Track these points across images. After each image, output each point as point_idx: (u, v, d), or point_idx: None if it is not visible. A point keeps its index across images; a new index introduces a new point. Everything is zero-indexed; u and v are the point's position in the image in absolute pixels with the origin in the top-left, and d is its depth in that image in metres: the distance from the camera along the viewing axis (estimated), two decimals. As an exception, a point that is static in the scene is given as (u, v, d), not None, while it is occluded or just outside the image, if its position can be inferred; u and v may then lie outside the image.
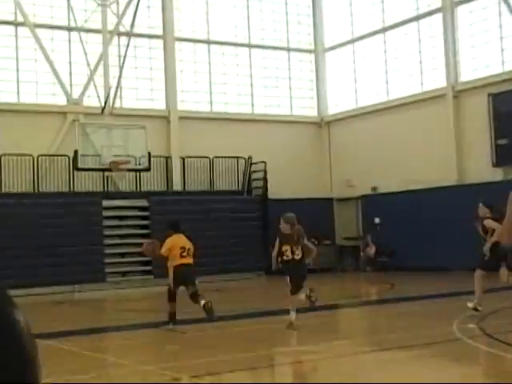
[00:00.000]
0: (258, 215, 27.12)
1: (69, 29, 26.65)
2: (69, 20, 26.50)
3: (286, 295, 12.52)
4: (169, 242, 13.53)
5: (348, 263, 28.91)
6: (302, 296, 12.70)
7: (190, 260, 13.47)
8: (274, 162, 28.47)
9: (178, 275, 13.22)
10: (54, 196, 24.57)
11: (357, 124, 29.88)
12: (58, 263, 22.50)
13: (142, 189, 26.71)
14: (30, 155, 24.99)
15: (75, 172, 24.36)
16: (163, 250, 13.45)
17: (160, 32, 28.53)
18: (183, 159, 27.93)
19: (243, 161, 28.65)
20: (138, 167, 23.28)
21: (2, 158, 24.64)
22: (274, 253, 12.77)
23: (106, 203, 24.70)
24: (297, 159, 30.03)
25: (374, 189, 28.76)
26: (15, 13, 25.94)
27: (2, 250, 21.81)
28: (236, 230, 25.93)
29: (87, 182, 25.86)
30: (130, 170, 23.94)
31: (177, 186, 27.80)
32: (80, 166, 21.93)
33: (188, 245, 13.57)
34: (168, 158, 27.74)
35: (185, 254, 13.37)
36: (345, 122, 30.66)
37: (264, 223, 26.69)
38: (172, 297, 13.24)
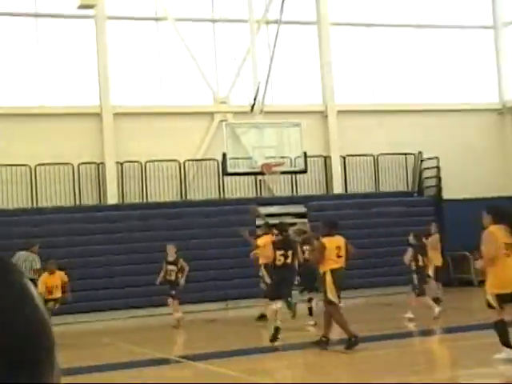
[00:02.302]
0: (432, 219, 26.62)
1: (212, 21, 27.51)
2: (212, 11, 27.31)
3: None
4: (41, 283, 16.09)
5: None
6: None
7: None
8: (448, 157, 27.96)
9: None
10: (202, 204, 25.35)
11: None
12: (214, 277, 23.20)
13: (298, 193, 27.05)
14: (176, 161, 25.91)
15: (225, 177, 24.87)
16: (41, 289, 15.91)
17: (313, 18, 28.72)
18: (344, 158, 27.98)
19: (412, 157, 28.46)
20: (294, 169, 23.09)
21: (147, 165, 25.67)
22: None
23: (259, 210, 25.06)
24: (475, 153, 29.37)
25: None
26: (155, 7, 27.03)
27: (148, 263, 22.49)
28: (406, 236, 25.61)
29: (238, 188, 26.46)
30: (284, 173, 23.81)
31: (337, 188, 27.94)
32: (230, 170, 21.94)
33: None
34: (327, 158, 27.89)
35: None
36: (533, 106, 29.95)
37: (439, 227, 26.21)
38: None
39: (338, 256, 13.75)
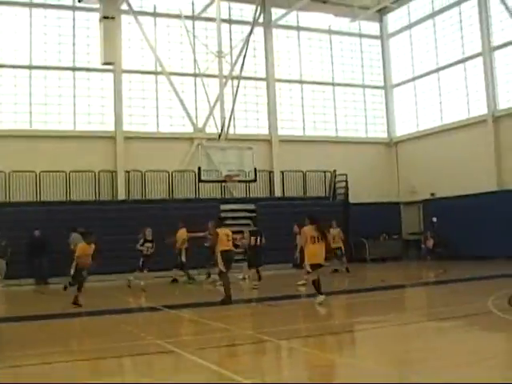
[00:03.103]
0: (341, 216, 26.67)
1: (194, 75, 27.07)
2: (194, 69, 26.95)
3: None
4: (79, 249, 14.21)
5: (412, 253, 28.26)
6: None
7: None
8: (353, 174, 28.09)
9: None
10: (183, 201, 24.92)
11: (418, 143, 29.21)
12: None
13: (250, 195, 26.73)
14: (166, 171, 25.53)
15: (199, 183, 24.48)
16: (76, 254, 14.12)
17: (263, 75, 28.58)
18: (282, 173, 27.79)
19: (329, 174, 28.31)
20: (247, 179, 22.96)
21: (146, 173, 25.27)
22: None
23: (223, 207, 24.83)
24: (371, 171, 29.52)
25: (433, 194, 28.05)
26: (155, 65, 26.69)
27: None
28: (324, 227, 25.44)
29: (209, 191, 26.08)
30: (240, 182, 23.77)
31: (277, 193, 27.66)
32: (203, 178, 21.78)
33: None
34: (271, 172, 27.70)
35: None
36: (409, 142, 29.98)
37: (346, 222, 26.28)
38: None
39: (228, 240, 13.97)
